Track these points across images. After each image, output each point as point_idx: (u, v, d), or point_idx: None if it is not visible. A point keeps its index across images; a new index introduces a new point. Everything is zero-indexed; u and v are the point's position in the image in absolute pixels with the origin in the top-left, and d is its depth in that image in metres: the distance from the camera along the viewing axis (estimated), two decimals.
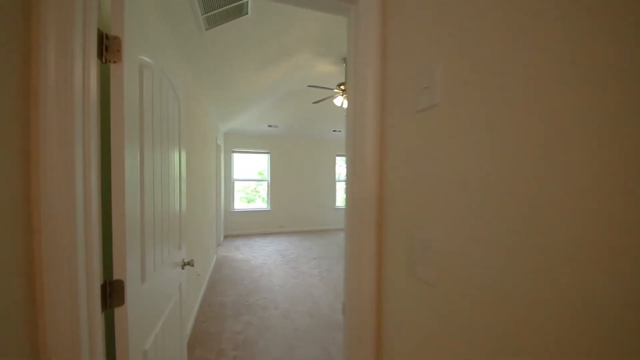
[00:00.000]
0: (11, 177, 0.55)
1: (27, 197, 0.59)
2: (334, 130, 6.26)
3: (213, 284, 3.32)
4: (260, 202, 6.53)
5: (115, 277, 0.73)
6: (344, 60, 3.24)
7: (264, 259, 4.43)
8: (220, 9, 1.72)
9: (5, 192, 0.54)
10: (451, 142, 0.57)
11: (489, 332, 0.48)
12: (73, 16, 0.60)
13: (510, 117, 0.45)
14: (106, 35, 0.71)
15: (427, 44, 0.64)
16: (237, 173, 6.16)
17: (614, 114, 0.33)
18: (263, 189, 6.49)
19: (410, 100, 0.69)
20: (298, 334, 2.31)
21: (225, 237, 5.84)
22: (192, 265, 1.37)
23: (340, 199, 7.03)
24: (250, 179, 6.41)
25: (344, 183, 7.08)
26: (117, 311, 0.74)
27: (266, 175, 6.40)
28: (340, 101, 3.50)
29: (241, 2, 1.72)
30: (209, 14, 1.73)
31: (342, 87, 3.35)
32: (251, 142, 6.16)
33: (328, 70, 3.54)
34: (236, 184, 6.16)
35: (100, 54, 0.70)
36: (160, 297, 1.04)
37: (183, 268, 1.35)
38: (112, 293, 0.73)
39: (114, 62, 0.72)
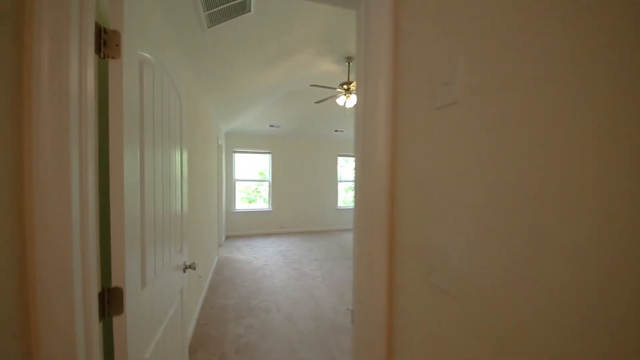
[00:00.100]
0: (2, 180, 0.52)
1: (20, 201, 0.55)
2: (335, 131, 6.22)
3: (215, 286, 3.28)
4: (262, 203, 6.50)
5: (114, 284, 0.70)
6: (347, 59, 3.21)
7: (265, 260, 4.40)
8: (224, 6, 1.68)
9: None
10: (474, 142, 0.53)
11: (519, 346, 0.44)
12: (68, 7, 0.56)
13: (545, 116, 0.41)
14: (104, 29, 0.68)
15: (445, 34, 0.60)
16: (238, 173, 6.13)
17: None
18: (264, 189, 6.46)
19: (426, 96, 0.65)
20: (301, 337, 2.27)
21: (227, 237, 5.80)
22: (194, 269, 1.33)
23: (342, 200, 6.98)
24: (251, 179, 6.37)
25: (345, 183, 7.04)
26: (116, 320, 0.70)
27: (267, 175, 6.36)
28: (343, 101, 3.46)
29: None
30: (211, 11, 1.69)
31: (344, 86, 3.32)
32: (252, 142, 6.12)
33: (330, 69, 3.50)
34: (237, 184, 6.13)
35: (98, 49, 0.66)
36: (161, 303, 1.00)
37: (184, 272, 1.32)
38: (110, 301, 0.69)
39: (113, 57, 0.68)
